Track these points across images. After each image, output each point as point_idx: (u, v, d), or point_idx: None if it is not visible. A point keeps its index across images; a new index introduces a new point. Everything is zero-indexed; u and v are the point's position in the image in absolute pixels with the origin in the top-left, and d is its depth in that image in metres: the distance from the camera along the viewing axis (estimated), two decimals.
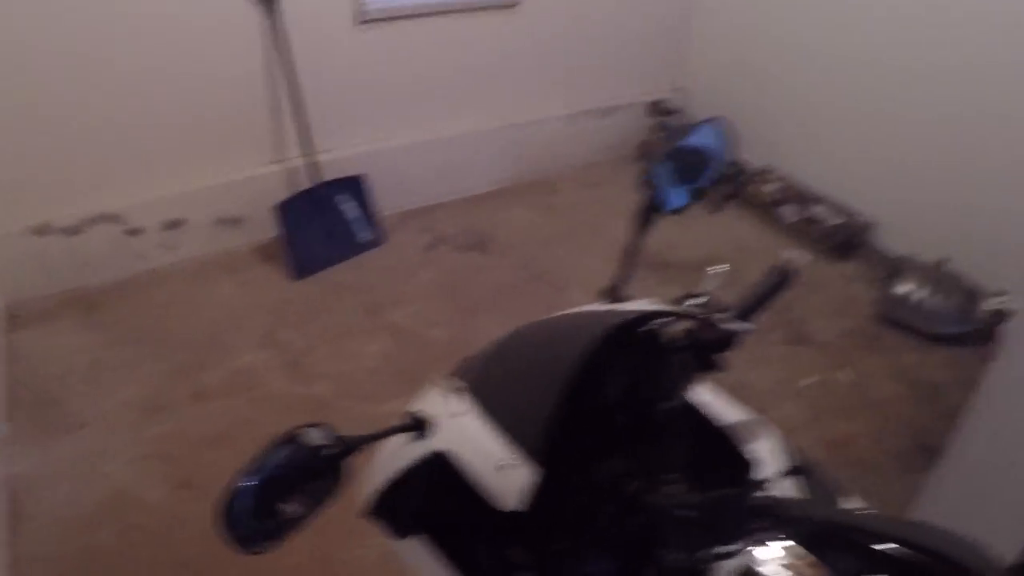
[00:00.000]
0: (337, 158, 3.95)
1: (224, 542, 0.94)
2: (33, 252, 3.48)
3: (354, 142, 4.06)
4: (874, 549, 0.94)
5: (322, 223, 3.83)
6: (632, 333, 1.18)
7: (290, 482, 1.01)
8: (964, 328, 3.53)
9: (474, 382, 1.16)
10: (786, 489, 1.21)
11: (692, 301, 1.22)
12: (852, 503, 1.27)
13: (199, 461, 2.71)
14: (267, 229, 3.82)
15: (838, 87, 4.25)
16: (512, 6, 4.23)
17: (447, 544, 1.22)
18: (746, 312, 1.24)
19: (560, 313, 1.22)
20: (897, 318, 3.71)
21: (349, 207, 3.92)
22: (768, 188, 4.60)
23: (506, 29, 4.31)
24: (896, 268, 3.87)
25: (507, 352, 1.20)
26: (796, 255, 1.27)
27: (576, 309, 1.24)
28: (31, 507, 2.55)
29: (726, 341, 1.20)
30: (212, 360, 3.21)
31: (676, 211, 1.31)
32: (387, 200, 4.16)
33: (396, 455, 1.20)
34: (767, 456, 1.24)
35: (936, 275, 3.70)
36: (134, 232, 3.67)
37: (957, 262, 3.71)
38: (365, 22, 3.79)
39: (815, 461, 1.30)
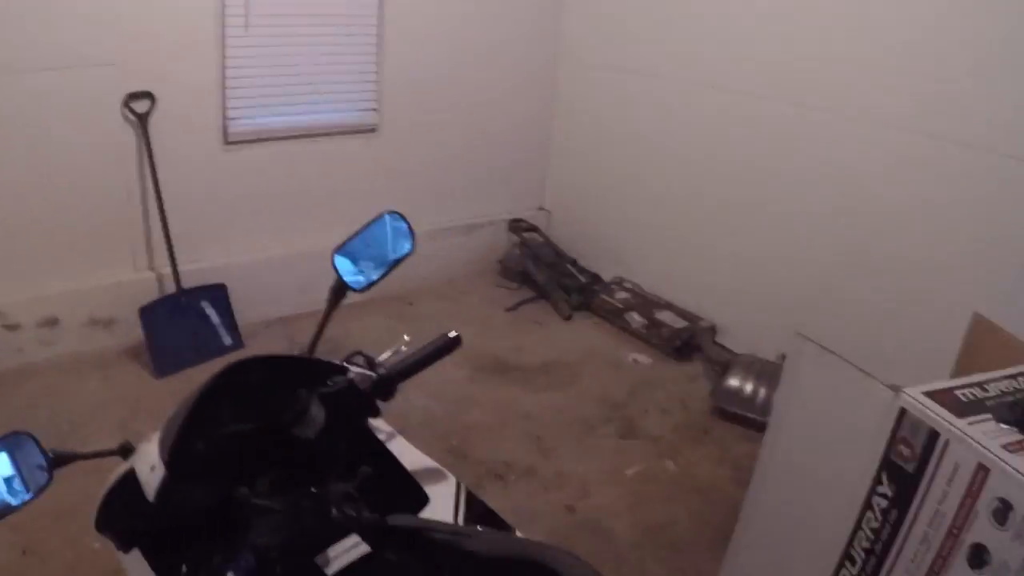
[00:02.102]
0: (203, 267, 4.27)
1: None
2: None
3: (220, 253, 4.39)
4: (460, 553, 1.30)
5: (185, 326, 4.13)
6: (300, 376, 1.50)
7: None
8: None
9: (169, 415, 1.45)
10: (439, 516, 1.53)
11: (354, 358, 1.56)
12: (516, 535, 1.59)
13: (45, 531, 2.96)
14: (137, 331, 4.06)
15: (681, 204, 4.82)
16: (372, 130, 4.69)
17: (166, 558, 1.43)
18: (403, 372, 1.57)
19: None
20: (728, 410, 4.02)
21: (212, 313, 4.24)
22: (618, 296, 5.04)
23: (368, 151, 4.76)
24: (731, 364, 4.22)
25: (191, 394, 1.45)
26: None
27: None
28: None
29: (385, 390, 1.54)
30: (69, 446, 3.45)
31: (363, 289, 1.67)
32: (250, 309, 4.42)
33: (110, 475, 1.51)
34: (438, 494, 1.58)
35: (769, 368, 4.00)
36: (12, 327, 3.91)
37: None
38: (232, 143, 4.21)
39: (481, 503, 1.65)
